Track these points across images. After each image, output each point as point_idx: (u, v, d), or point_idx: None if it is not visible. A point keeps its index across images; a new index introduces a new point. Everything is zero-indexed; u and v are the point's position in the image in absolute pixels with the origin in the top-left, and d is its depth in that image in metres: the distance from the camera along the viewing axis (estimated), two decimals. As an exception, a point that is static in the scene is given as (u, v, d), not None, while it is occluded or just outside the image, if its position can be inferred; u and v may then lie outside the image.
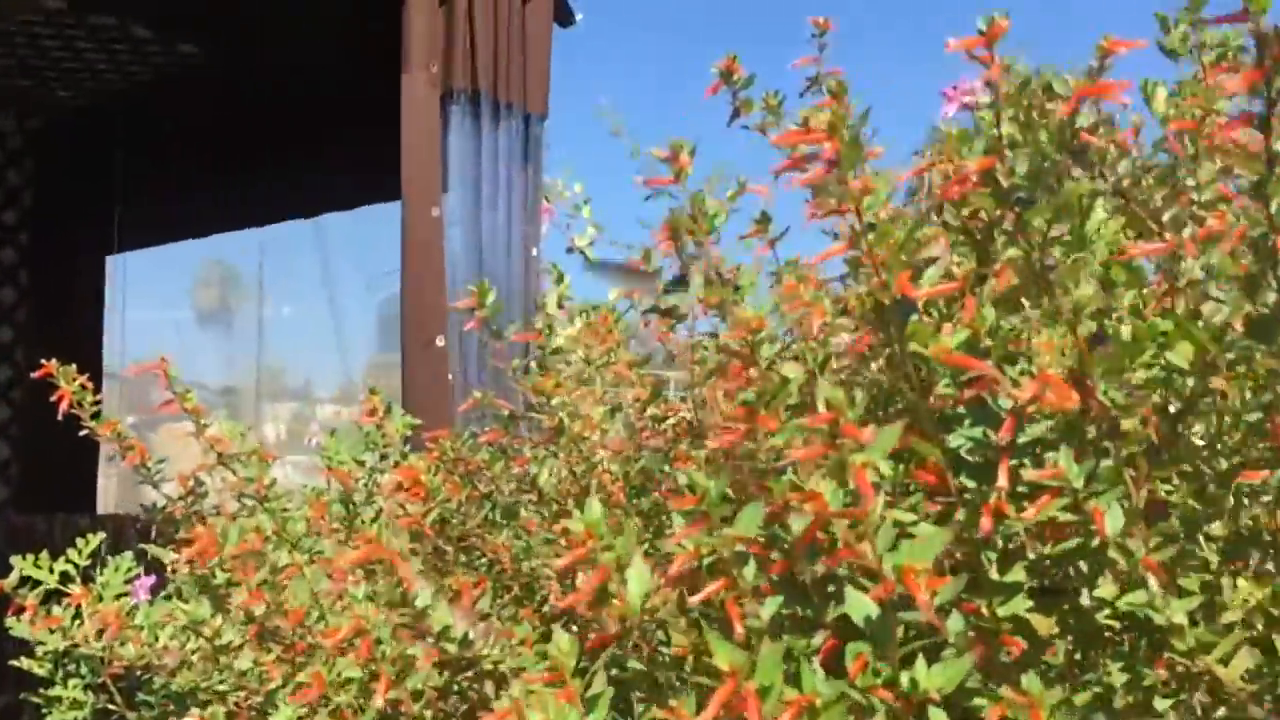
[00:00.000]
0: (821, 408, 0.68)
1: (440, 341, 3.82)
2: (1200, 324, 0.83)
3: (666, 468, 1.76)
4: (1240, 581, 1.10)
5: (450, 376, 3.88)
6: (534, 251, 4.26)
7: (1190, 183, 1.08)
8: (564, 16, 4.30)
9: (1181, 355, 0.78)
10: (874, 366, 1.13)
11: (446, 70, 3.85)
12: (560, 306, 4.06)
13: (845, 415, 0.67)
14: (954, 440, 0.83)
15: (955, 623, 0.77)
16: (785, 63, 1.66)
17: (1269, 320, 0.65)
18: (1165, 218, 1.10)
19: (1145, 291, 1.34)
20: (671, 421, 1.86)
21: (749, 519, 0.81)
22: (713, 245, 1.03)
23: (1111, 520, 0.76)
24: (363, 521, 1.72)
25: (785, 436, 0.85)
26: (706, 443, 0.96)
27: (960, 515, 0.82)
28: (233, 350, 8.37)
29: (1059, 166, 0.77)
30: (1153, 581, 0.78)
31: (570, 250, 4.39)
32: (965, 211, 1.09)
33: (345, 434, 2.20)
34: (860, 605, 0.71)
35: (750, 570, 0.83)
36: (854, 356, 1.08)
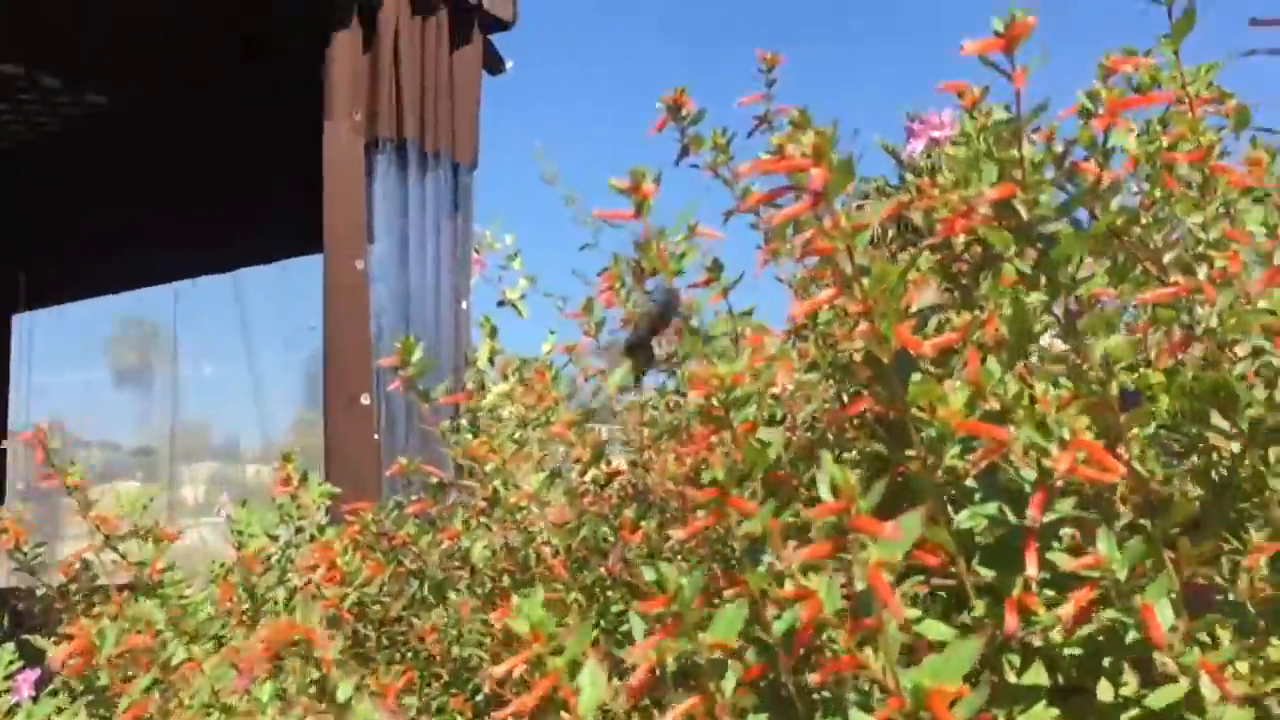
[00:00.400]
0: (825, 492, 0.54)
1: (365, 400, 3.64)
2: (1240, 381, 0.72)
3: (611, 537, 1.62)
4: None
5: (376, 436, 3.70)
6: (463, 304, 4.11)
7: (1195, 220, 0.98)
8: (493, 64, 4.19)
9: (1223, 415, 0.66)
10: (848, 431, 1.00)
11: (371, 118, 3.70)
12: (491, 361, 3.90)
13: (857, 503, 0.53)
14: (965, 519, 0.70)
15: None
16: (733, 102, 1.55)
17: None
18: (1166, 259, 0.99)
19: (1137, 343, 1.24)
20: (616, 485, 1.72)
21: (729, 622, 0.67)
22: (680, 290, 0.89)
23: (1164, 618, 0.63)
24: (275, 604, 1.55)
25: (761, 521, 0.71)
26: (672, 532, 0.81)
27: (979, 608, 0.69)
28: (149, 409, 8.04)
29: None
30: (1208, 686, 0.65)
31: (501, 303, 4.24)
32: (952, 251, 0.98)
33: (257, 504, 2.02)
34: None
35: (731, 681, 0.69)
36: (833, 421, 0.95)
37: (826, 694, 0.68)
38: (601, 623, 1.48)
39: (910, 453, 0.68)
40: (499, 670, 0.77)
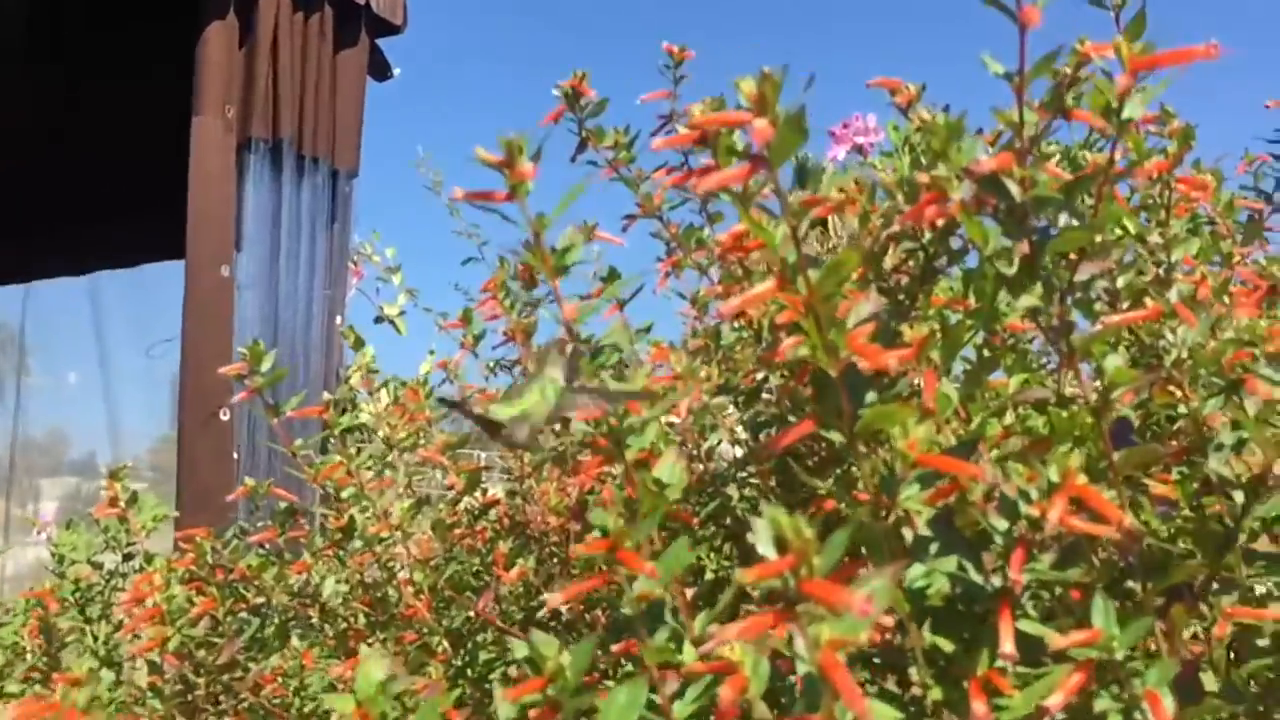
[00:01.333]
0: (767, 548, 0.40)
1: (225, 415, 3.39)
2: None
3: (483, 574, 1.46)
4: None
5: (236, 456, 3.45)
6: (338, 319, 3.88)
7: (1155, 239, 0.88)
8: (380, 69, 3.99)
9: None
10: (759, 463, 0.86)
11: (244, 116, 3.47)
12: (366, 379, 3.69)
13: (809, 562, 0.39)
14: (918, 577, 0.56)
15: None
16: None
17: None
18: (1120, 283, 0.89)
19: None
20: (492, 517, 1.56)
21: (621, 706, 0.52)
22: (561, 293, 0.75)
23: (1168, 707, 0.51)
24: (85, 647, 1.34)
25: (664, 581, 0.56)
26: (547, 597, 0.66)
27: (935, 692, 0.55)
28: (-7, 419, 7.50)
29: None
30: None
31: (379, 319, 4.03)
32: (889, 259, 0.85)
33: (83, 526, 1.79)
34: None
35: (627, 781, 0.54)
36: (766, 454, 0.82)
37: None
38: (469, 672, 1.31)
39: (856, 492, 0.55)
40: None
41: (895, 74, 1.21)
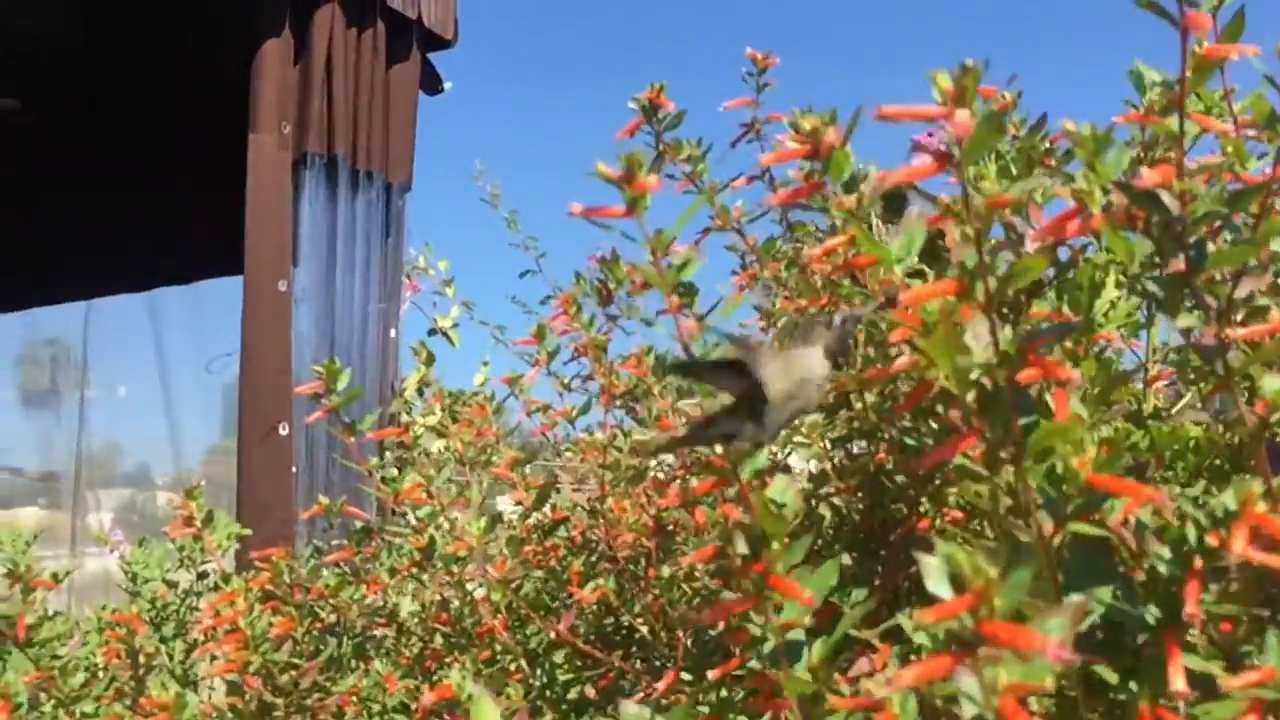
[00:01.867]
0: (941, 586, 0.38)
1: (284, 430, 3.41)
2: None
3: (558, 591, 1.44)
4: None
5: (295, 470, 3.47)
6: (393, 332, 3.90)
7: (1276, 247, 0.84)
8: (431, 83, 4.01)
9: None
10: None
11: (300, 133, 3.50)
12: (421, 393, 3.70)
13: (989, 601, 0.37)
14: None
15: None
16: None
17: None
18: (1240, 293, 0.85)
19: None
20: (564, 534, 1.54)
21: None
22: (685, 312, 0.73)
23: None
24: (163, 668, 1.34)
25: (814, 609, 0.54)
26: (696, 616, 0.65)
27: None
28: (57, 433, 7.62)
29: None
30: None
31: (433, 332, 4.04)
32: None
33: (157, 541, 1.80)
34: None
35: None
36: (918, 470, 0.79)
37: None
38: (548, 692, 1.29)
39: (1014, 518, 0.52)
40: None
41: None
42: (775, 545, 0.56)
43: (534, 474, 1.81)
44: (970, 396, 0.52)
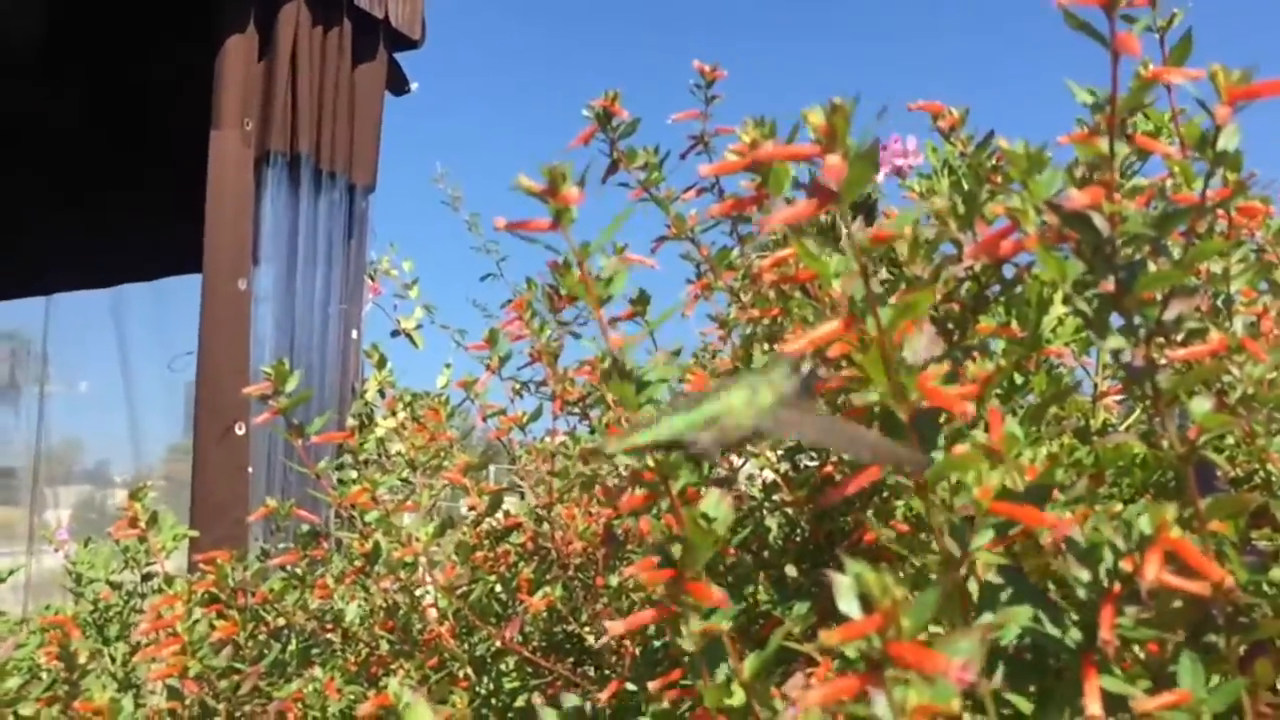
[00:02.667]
0: (850, 605, 0.38)
1: (240, 430, 3.37)
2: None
3: (506, 599, 1.43)
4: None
5: (250, 470, 3.43)
6: (355, 334, 3.87)
7: (1218, 268, 0.85)
8: (398, 83, 3.99)
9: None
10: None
11: (263, 130, 3.47)
12: (382, 394, 3.67)
13: (897, 621, 0.37)
14: (994, 630, 0.54)
15: None
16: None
17: None
18: (1170, 315, 0.86)
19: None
20: (515, 539, 1.53)
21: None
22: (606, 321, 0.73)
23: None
24: (100, 671, 1.32)
25: (724, 616, 0.54)
26: (609, 625, 0.64)
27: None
28: (15, 428, 7.52)
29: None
30: None
31: (396, 333, 4.02)
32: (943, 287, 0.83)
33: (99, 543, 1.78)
34: None
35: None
36: (827, 502, 0.79)
37: None
38: (494, 701, 1.29)
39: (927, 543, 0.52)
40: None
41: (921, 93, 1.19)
42: (697, 555, 0.55)
43: (492, 479, 1.79)
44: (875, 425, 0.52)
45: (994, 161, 0.98)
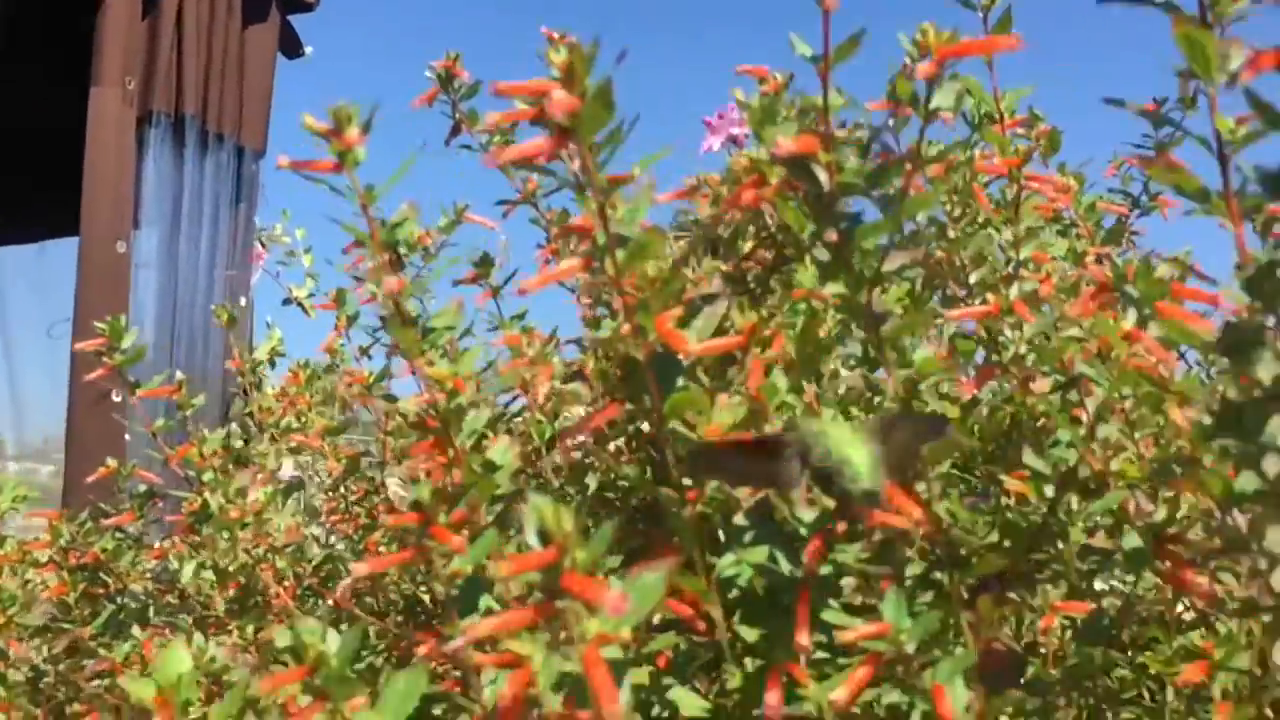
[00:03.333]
0: (532, 537, 0.39)
1: (117, 396, 3.28)
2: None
3: (354, 561, 1.42)
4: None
5: (127, 438, 3.34)
6: (243, 301, 3.79)
7: (1005, 237, 0.88)
8: (291, 46, 3.90)
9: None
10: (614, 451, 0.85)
11: (146, 89, 3.37)
12: (272, 364, 3.61)
13: (571, 555, 0.38)
14: (727, 566, 0.56)
15: None
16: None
17: (1253, 405, 0.41)
18: (973, 279, 0.89)
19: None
20: (374, 503, 1.53)
21: (400, 695, 0.50)
22: (393, 270, 0.73)
23: (955, 700, 0.51)
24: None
25: (476, 557, 0.55)
26: (355, 566, 0.65)
27: (736, 678, 0.55)
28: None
29: (904, 166, 0.52)
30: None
31: (287, 302, 3.95)
32: (743, 250, 0.85)
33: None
34: None
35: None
36: (567, 437, 0.81)
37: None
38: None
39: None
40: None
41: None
42: (437, 498, 0.56)
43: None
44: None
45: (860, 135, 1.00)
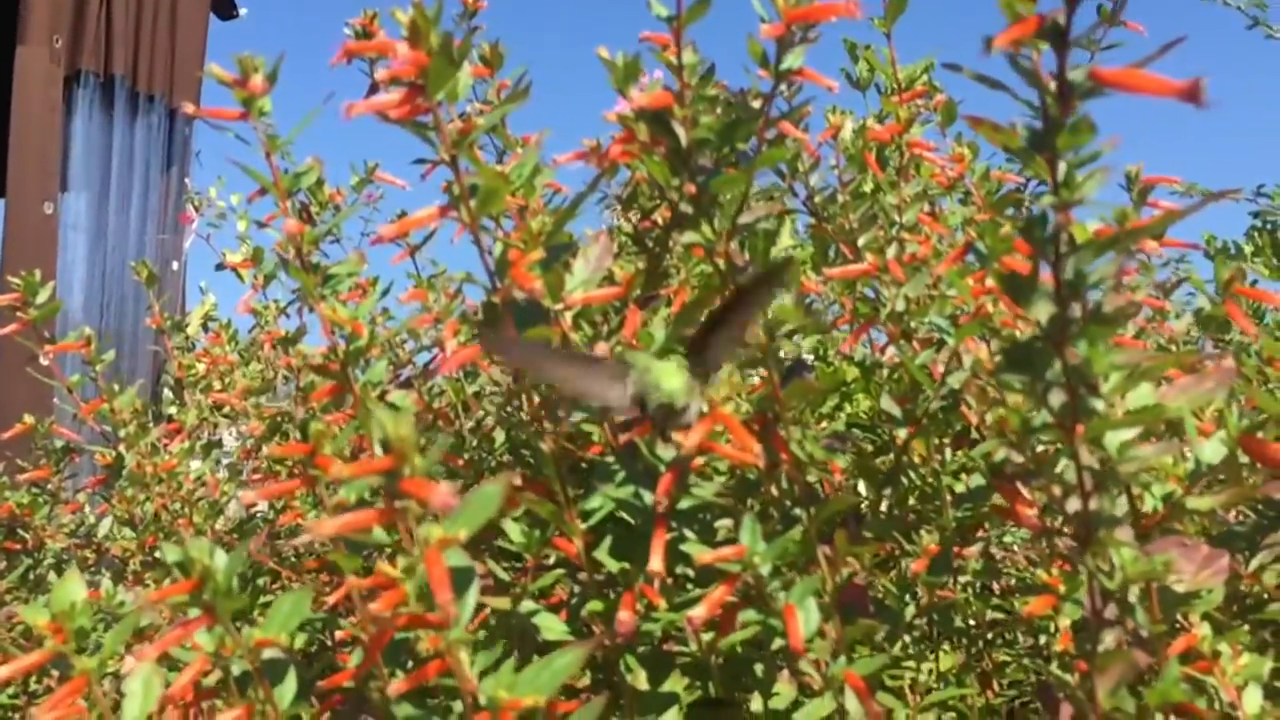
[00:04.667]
0: (377, 447, 0.42)
1: (45, 359, 3.25)
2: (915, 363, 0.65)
3: (273, 518, 1.44)
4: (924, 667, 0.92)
5: (56, 401, 3.31)
6: (175, 266, 3.75)
7: (890, 200, 0.92)
8: (224, 7, 3.86)
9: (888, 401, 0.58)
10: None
11: (73, 48, 3.32)
12: (205, 328, 3.59)
13: (410, 462, 0.41)
14: (594, 502, 0.59)
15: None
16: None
17: (1033, 345, 0.45)
18: (860, 241, 0.93)
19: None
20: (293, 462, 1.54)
21: (285, 614, 0.53)
22: (294, 220, 0.75)
23: (806, 622, 0.55)
24: None
25: (355, 491, 0.58)
26: (242, 495, 0.67)
27: (596, 605, 0.58)
28: None
29: (753, 123, 0.55)
30: (854, 702, 0.57)
31: (220, 267, 3.89)
32: (640, 214, 0.88)
33: None
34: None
35: (289, 691, 0.55)
36: (438, 372, 0.84)
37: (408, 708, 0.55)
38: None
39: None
40: (4, 670, 0.60)
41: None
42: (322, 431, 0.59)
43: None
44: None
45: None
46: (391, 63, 0.73)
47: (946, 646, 0.93)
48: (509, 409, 1.03)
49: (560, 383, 0.56)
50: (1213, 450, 0.55)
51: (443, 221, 0.72)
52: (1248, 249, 1.85)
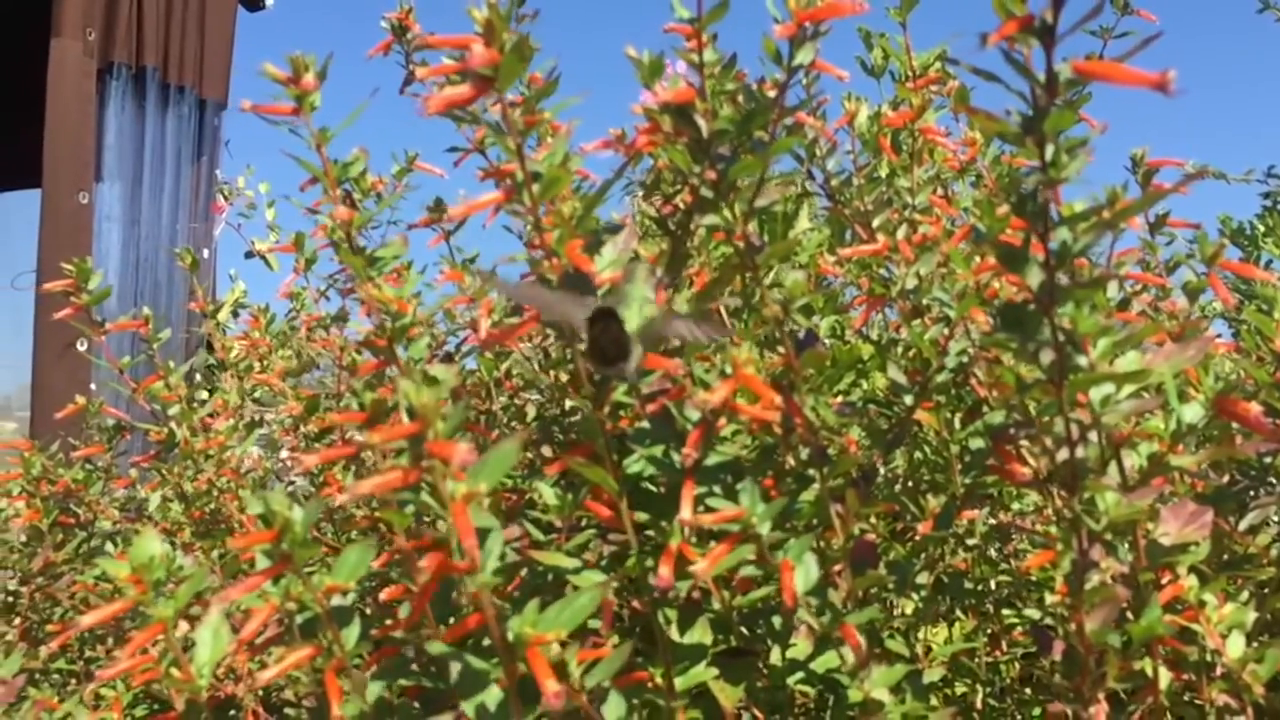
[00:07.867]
0: (405, 415, 0.47)
1: (82, 346, 3.33)
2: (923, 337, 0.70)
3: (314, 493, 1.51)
4: (938, 635, 0.97)
5: (93, 387, 3.40)
6: (205, 253, 3.83)
7: (904, 184, 0.97)
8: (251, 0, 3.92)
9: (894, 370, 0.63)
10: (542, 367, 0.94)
11: (106, 41, 3.39)
12: (235, 314, 3.67)
13: (434, 426, 0.46)
14: (631, 464, 0.64)
15: (615, 708, 0.58)
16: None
17: (1025, 308, 0.50)
18: (875, 223, 0.98)
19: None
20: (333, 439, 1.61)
21: (351, 564, 0.59)
22: (344, 206, 0.80)
23: (803, 577, 0.60)
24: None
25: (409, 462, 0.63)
26: (299, 458, 0.73)
27: (633, 561, 0.63)
28: None
29: (768, 114, 0.60)
30: (849, 653, 0.62)
31: (250, 255, 3.99)
32: (662, 199, 0.93)
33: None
34: (474, 688, 0.51)
35: (354, 633, 0.61)
36: (489, 343, 0.89)
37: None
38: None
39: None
40: (86, 621, 0.66)
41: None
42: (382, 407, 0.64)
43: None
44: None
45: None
46: (459, 56, 0.78)
47: (958, 612, 0.98)
48: (545, 387, 1.08)
49: (544, 309, 0.61)
50: (1192, 412, 0.60)
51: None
52: (1260, 229, 1.88)
